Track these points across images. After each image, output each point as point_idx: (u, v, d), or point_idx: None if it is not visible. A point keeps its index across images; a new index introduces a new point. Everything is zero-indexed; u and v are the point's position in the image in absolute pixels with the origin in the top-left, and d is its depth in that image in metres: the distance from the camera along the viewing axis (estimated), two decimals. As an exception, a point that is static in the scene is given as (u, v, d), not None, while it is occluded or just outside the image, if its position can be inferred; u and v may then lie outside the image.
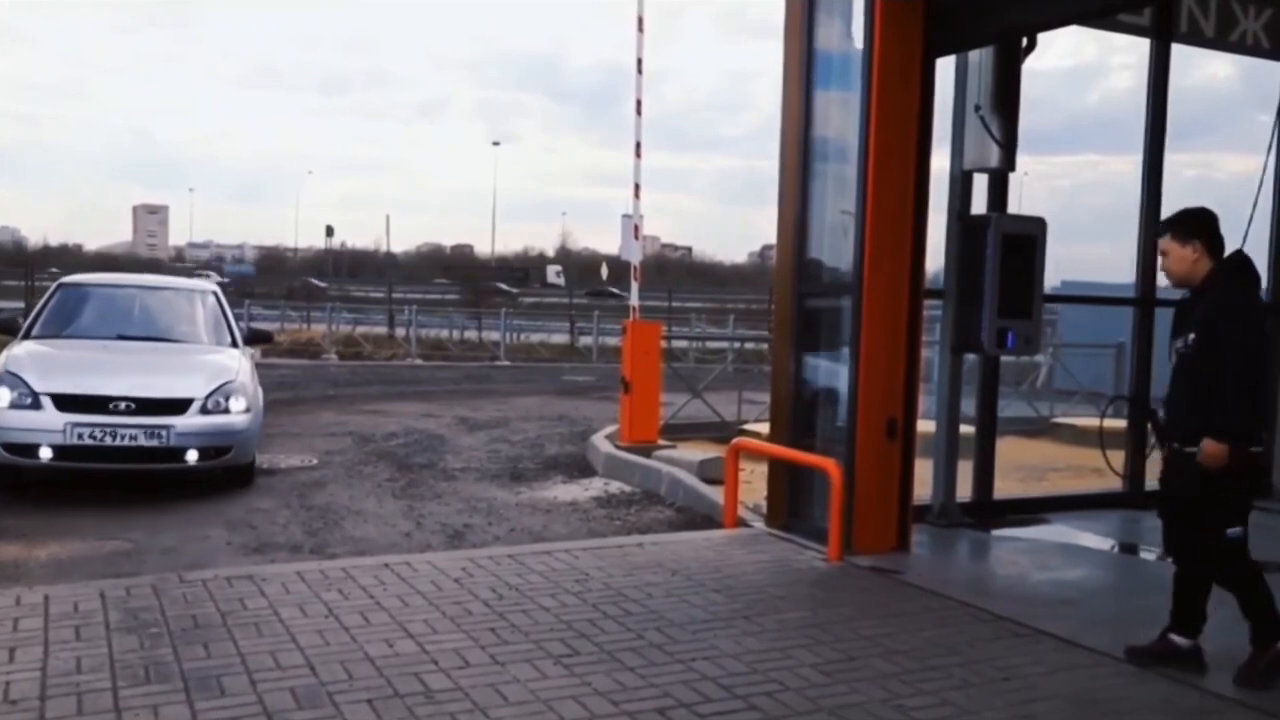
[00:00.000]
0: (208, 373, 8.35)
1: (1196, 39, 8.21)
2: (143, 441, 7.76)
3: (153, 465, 7.96)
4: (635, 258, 11.09)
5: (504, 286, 61.54)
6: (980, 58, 6.86)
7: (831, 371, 6.73)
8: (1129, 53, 8.96)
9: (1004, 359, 8.04)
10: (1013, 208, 7.43)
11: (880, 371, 6.28)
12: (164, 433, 7.81)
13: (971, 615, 5.24)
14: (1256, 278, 4.62)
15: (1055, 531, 7.39)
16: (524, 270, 69.37)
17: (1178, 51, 8.19)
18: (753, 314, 37.43)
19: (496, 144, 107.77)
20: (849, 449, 6.33)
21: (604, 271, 25.31)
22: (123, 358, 8.65)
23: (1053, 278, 12.41)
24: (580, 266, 70.17)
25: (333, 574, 5.56)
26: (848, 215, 6.37)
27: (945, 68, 6.85)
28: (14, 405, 7.74)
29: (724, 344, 23.72)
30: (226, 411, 8.08)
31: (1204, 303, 4.44)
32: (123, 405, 7.77)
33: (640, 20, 10.82)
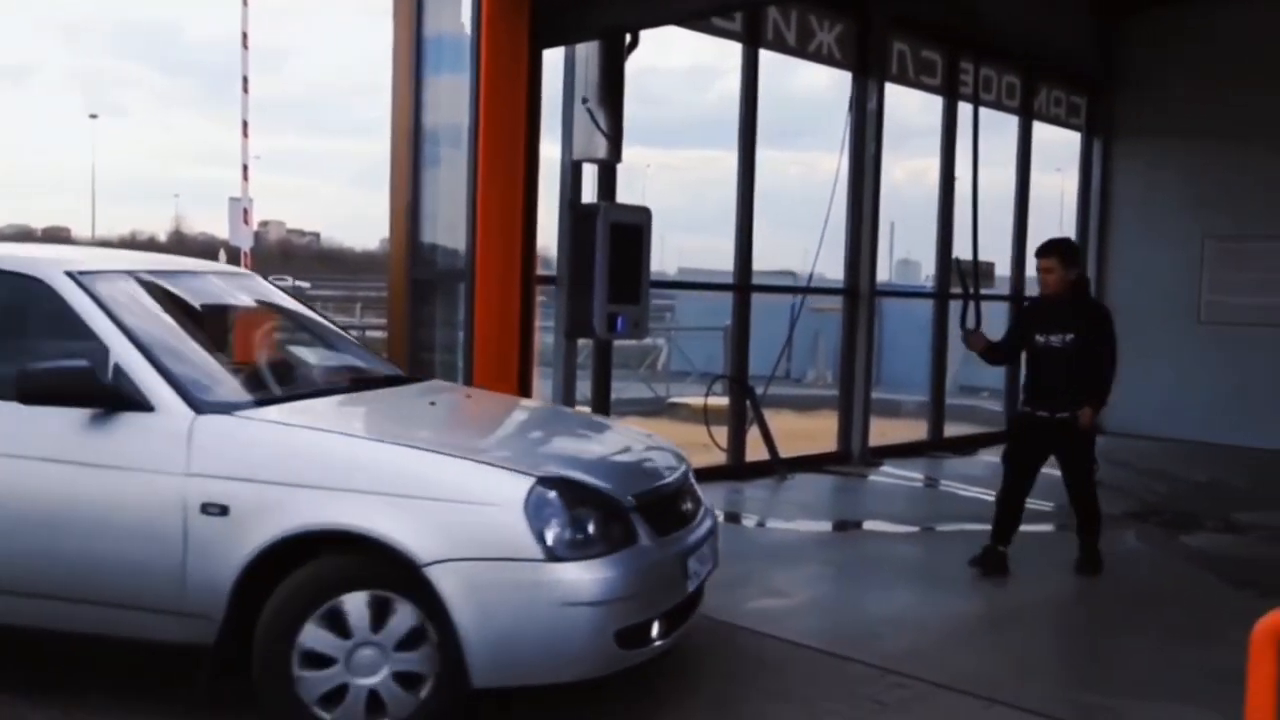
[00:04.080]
0: (611, 433, 4.71)
1: (782, 47, 8.92)
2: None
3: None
4: (245, 244, 10.53)
5: None
6: (587, 52, 7.07)
7: (446, 357, 6.71)
8: (740, 55, 9.79)
9: (626, 342, 8.37)
10: (637, 199, 7.72)
11: (493, 356, 6.35)
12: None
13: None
14: None
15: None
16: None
17: (785, 60, 8.90)
18: (382, 301, 36.70)
19: (94, 117, 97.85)
20: (466, 435, 6.35)
21: (222, 257, 23.84)
22: (492, 414, 4.79)
23: (675, 266, 13.15)
24: (196, 253, 65.61)
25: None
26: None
27: (556, 60, 7.03)
28: (578, 537, 3.49)
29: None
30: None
31: (1076, 311, 5.79)
32: (687, 507, 4.15)
33: (246, -8, 10.25)
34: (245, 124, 10.31)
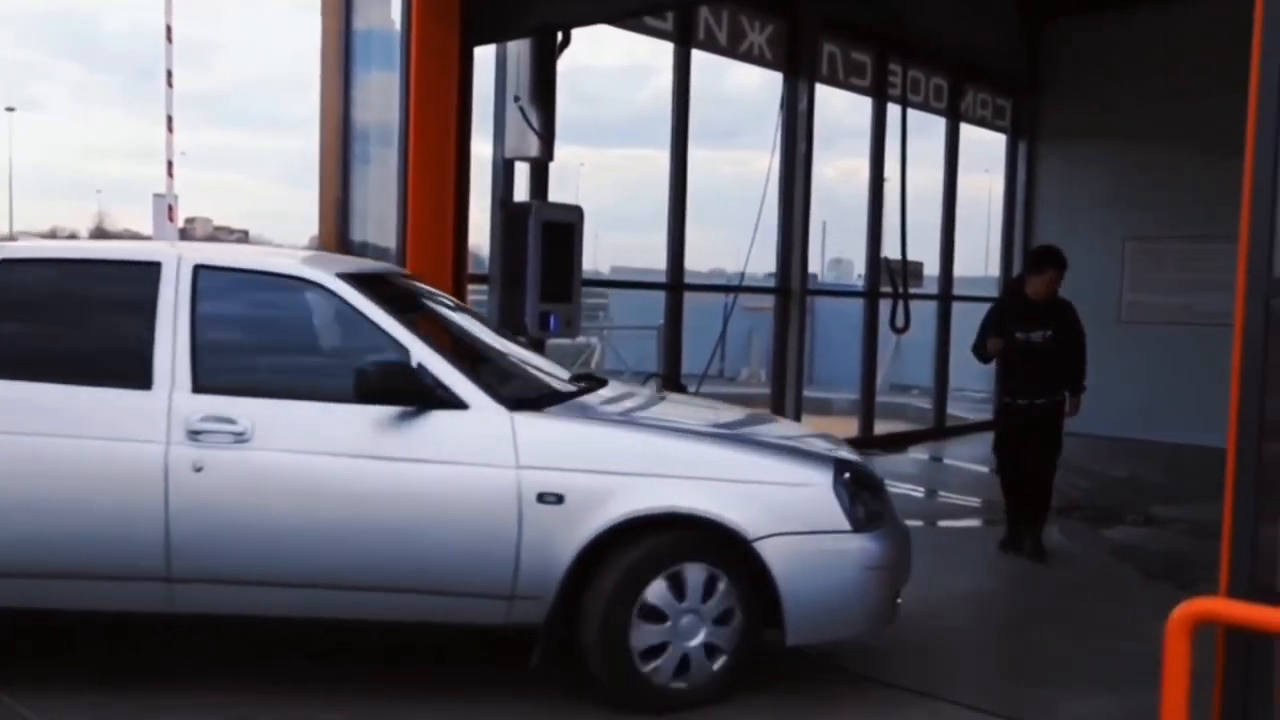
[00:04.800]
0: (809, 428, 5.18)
1: (714, 47, 8.96)
2: None
3: None
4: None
5: None
6: (519, 50, 7.04)
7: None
8: (673, 55, 9.78)
9: (560, 341, 8.34)
10: (570, 198, 7.68)
11: (426, 356, 6.29)
12: None
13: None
14: None
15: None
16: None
17: (718, 60, 8.93)
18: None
19: (11, 110, 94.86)
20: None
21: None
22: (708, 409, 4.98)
23: (608, 264, 13.11)
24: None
25: None
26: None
27: (487, 58, 6.98)
28: (867, 511, 4.00)
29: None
30: None
31: (1055, 311, 6.31)
32: None
33: (170, -16, 10.04)
34: (170, 119, 10.11)
